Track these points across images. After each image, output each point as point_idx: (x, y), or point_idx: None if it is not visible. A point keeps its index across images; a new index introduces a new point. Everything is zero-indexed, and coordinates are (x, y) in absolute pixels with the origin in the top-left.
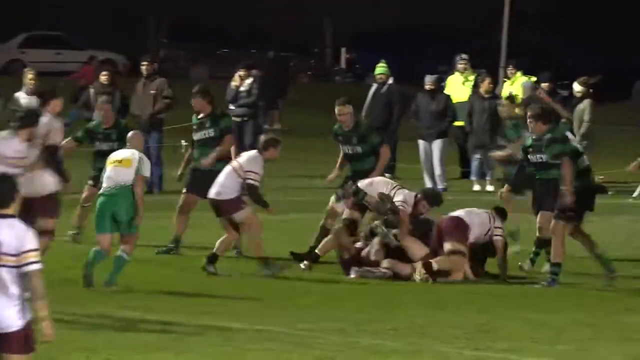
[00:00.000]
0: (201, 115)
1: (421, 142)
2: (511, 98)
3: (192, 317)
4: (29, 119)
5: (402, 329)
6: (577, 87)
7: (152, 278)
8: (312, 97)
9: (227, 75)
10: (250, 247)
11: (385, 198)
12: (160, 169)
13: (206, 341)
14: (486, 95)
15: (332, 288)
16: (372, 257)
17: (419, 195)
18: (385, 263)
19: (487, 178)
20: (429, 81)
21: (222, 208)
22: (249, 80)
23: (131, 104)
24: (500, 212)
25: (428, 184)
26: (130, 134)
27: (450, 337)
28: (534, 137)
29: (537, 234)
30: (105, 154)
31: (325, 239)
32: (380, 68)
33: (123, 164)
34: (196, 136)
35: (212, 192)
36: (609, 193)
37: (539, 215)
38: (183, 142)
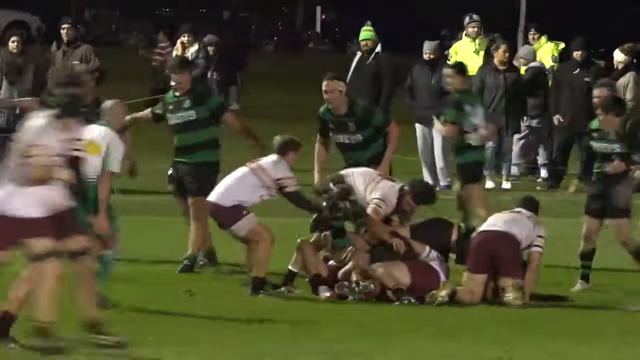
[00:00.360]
0: (178, 93)
1: (419, 127)
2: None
3: (133, 343)
4: None
5: (390, 347)
6: (618, 55)
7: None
8: (278, 70)
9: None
10: (253, 261)
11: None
12: None
13: None
14: (501, 67)
15: (305, 312)
16: (355, 278)
17: (404, 188)
18: (379, 270)
19: (504, 173)
20: (428, 49)
21: (218, 218)
22: (193, 48)
23: (48, 78)
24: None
25: (427, 180)
26: (109, 102)
27: None
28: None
29: (584, 245)
30: None
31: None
32: (366, 32)
33: (89, 149)
34: (172, 120)
35: (213, 194)
36: None
37: (603, 222)
38: None
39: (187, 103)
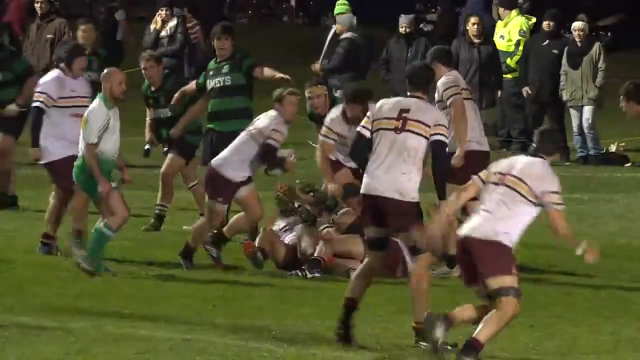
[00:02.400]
0: (219, 59)
1: None
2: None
3: (104, 322)
4: None
5: (372, 338)
6: (579, 25)
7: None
8: (252, 43)
9: (146, 15)
10: (232, 224)
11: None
12: None
13: (121, 353)
14: (476, 41)
15: (283, 288)
16: (310, 252)
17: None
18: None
19: None
20: (404, 22)
21: (216, 183)
22: (172, 23)
23: (23, 51)
24: None
25: None
26: (105, 70)
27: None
28: None
29: None
30: None
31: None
32: (341, 6)
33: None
34: (209, 85)
35: (215, 160)
36: (627, 165)
37: None
38: None
39: (225, 68)
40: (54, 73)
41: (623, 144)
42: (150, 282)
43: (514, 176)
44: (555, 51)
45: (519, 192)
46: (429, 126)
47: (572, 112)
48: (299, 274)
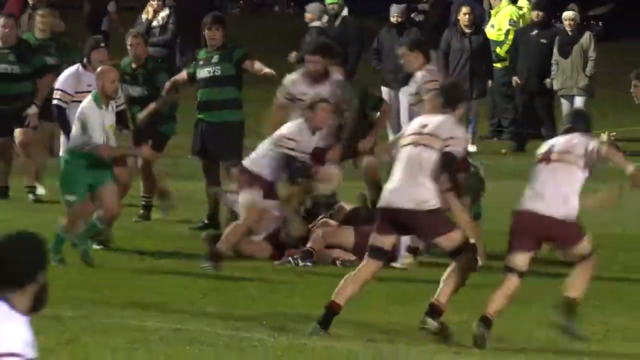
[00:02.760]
0: (209, 49)
1: (385, 90)
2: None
3: (94, 312)
4: None
5: (364, 327)
6: (570, 14)
7: None
8: (243, 33)
9: (136, 4)
10: (228, 232)
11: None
12: None
13: (110, 342)
14: (467, 31)
15: (273, 277)
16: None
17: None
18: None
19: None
20: (395, 12)
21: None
22: (164, 13)
23: None
24: None
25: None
26: (99, 69)
27: (421, 337)
28: None
29: None
30: None
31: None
32: None
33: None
34: (199, 75)
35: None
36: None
37: None
38: None
39: (215, 58)
40: (72, 68)
41: (614, 133)
42: (141, 271)
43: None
44: (544, 41)
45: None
46: (442, 139)
47: (563, 101)
48: (291, 261)
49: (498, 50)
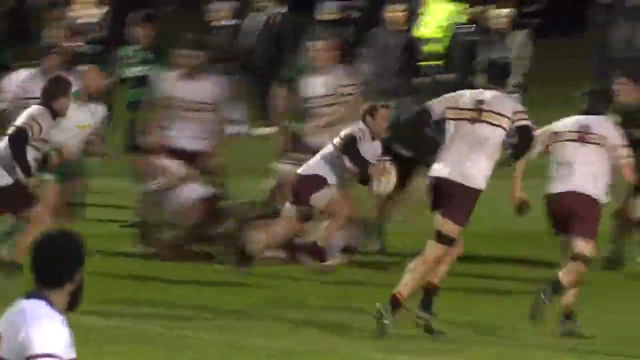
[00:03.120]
0: (138, 48)
1: None
2: None
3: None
4: None
5: (303, 325)
6: (500, 12)
7: None
8: (179, 30)
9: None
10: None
11: None
12: None
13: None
14: (396, 28)
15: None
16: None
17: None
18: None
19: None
20: (328, 9)
21: (300, 187)
22: (102, 10)
23: None
24: None
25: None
26: (83, 67)
27: (356, 338)
28: None
29: None
30: None
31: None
32: None
33: None
34: (130, 72)
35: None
36: None
37: None
38: None
39: (143, 56)
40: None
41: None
42: (133, 272)
43: None
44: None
45: None
46: (507, 117)
47: None
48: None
49: (426, 48)
